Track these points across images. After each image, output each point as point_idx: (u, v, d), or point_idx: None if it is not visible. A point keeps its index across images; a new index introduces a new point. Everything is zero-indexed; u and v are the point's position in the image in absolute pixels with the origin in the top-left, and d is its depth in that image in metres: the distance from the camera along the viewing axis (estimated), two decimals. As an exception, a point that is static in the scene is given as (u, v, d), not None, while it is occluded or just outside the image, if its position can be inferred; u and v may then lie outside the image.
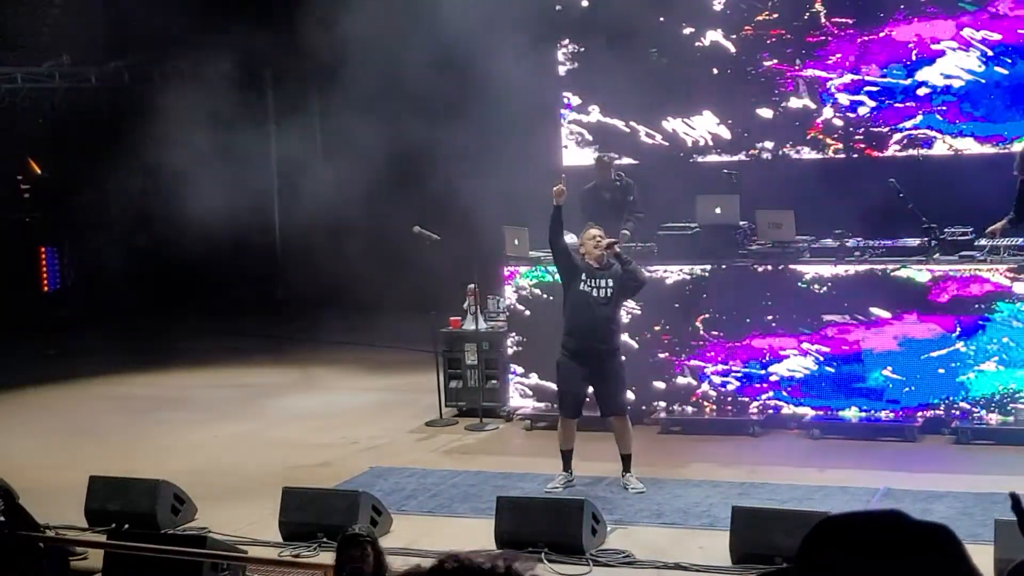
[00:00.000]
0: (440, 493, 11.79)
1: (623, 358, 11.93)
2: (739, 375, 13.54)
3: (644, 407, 13.68)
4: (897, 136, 15.62)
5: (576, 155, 16.86)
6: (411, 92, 17.37)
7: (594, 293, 11.53)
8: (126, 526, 10.57)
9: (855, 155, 15.85)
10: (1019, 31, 15.03)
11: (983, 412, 12.70)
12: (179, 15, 19.51)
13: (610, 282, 11.55)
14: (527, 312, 14.29)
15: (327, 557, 8.95)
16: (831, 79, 15.81)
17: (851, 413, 13.14)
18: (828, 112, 15.90)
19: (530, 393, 14.33)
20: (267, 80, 20.64)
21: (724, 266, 13.62)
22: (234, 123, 18.89)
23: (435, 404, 14.53)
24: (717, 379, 13.62)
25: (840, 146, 15.94)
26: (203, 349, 19.51)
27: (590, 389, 11.78)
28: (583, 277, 11.57)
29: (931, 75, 15.35)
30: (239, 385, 17.20)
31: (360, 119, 18.29)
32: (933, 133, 15.45)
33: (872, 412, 13.06)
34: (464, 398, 14.66)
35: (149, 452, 13.70)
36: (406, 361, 17.27)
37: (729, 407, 13.60)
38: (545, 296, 14.13)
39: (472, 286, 14.62)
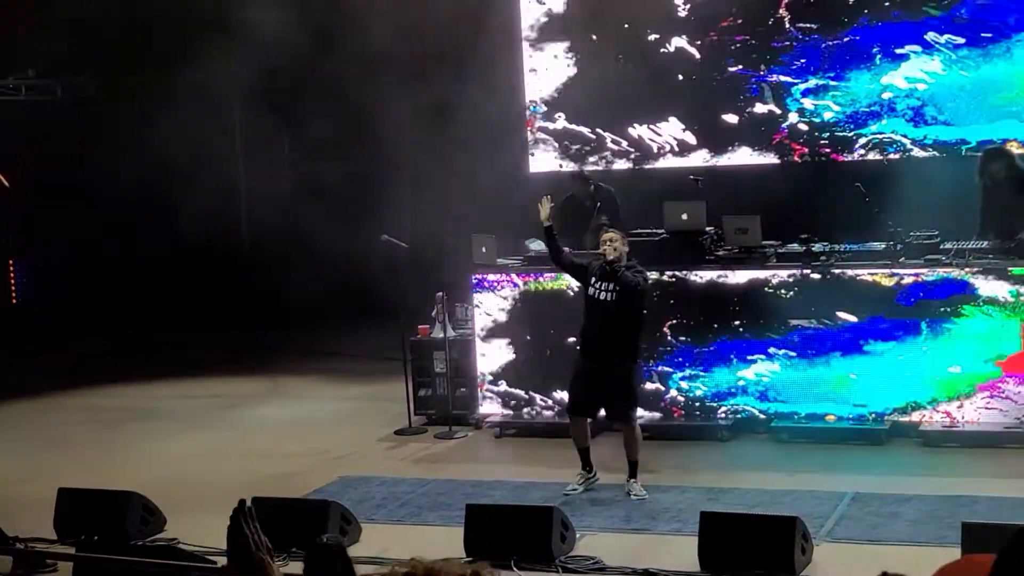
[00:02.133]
0: (409, 502, 11.79)
1: (633, 364, 11.92)
2: (707, 380, 13.57)
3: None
4: (862, 140, 15.70)
5: (543, 162, 16.89)
6: (377, 101, 17.35)
7: (600, 296, 11.62)
8: (95, 537, 10.54)
9: (821, 160, 15.92)
10: (983, 35, 15.12)
11: (950, 415, 12.75)
12: (146, 28, 19.48)
13: (616, 285, 11.59)
14: (496, 319, 14.28)
15: (296, 567, 8.93)
16: (796, 84, 15.88)
17: (819, 417, 13.17)
18: (793, 117, 15.96)
19: (499, 400, 14.33)
20: (234, 93, 20.57)
21: (691, 272, 13.63)
22: (201, 135, 18.85)
23: (404, 412, 14.50)
24: (685, 384, 13.65)
25: (806, 151, 16.00)
26: (173, 360, 19.42)
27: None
28: (592, 281, 11.71)
29: (896, 79, 15.44)
30: (208, 396, 17.14)
31: (327, 129, 18.29)
32: (898, 137, 15.53)
33: (839, 416, 13.10)
34: (433, 406, 14.64)
35: (119, 463, 13.66)
36: (374, 370, 17.23)
37: (697, 412, 13.64)
38: (514, 303, 14.15)
39: (440, 294, 14.62)
